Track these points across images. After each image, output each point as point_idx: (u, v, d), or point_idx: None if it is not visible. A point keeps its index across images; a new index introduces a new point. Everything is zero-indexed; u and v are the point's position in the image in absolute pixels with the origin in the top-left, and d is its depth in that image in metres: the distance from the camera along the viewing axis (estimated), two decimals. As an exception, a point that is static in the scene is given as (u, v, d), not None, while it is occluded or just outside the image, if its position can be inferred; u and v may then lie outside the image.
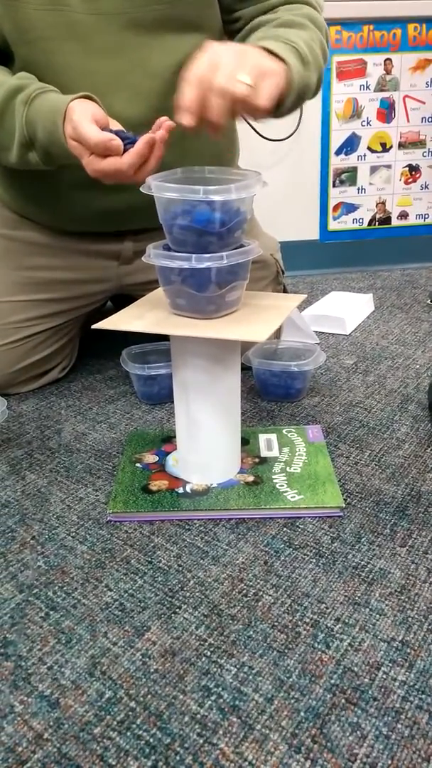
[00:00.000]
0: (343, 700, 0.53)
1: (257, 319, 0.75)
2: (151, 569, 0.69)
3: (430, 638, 0.59)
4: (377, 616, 0.62)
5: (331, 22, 0.95)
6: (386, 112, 1.72)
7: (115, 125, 0.81)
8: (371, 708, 0.53)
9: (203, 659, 0.58)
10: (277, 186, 1.72)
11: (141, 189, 0.71)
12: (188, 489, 0.80)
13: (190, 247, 0.71)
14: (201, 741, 0.50)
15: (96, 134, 0.75)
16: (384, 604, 0.63)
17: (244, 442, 0.89)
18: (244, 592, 0.65)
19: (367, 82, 1.69)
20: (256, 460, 0.85)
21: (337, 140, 1.73)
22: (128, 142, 0.76)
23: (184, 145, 0.79)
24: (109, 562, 0.70)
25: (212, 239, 0.70)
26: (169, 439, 0.91)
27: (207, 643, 0.59)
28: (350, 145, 1.74)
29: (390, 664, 0.56)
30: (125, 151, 0.76)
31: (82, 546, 0.73)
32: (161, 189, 0.69)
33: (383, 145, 1.76)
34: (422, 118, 1.74)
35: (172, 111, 0.73)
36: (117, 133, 0.77)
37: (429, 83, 1.71)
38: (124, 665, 0.57)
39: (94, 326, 0.74)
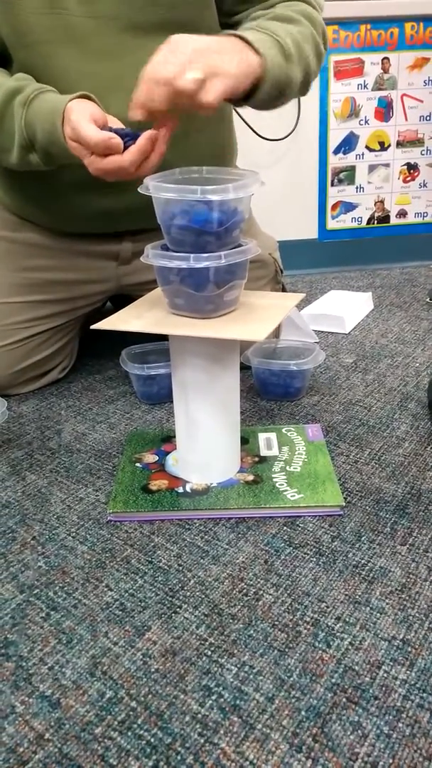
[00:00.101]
0: (344, 699, 0.53)
1: (256, 319, 0.75)
2: (151, 569, 0.69)
3: (430, 637, 0.59)
4: (378, 614, 0.62)
5: (329, 21, 0.95)
6: (384, 110, 1.73)
7: (114, 122, 0.81)
8: (372, 707, 0.53)
9: (204, 659, 0.58)
10: (275, 185, 1.72)
11: (139, 189, 0.71)
12: (188, 488, 0.80)
13: (188, 247, 0.71)
14: (202, 741, 0.50)
15: (95, 134, 0.75)
16: (385, 602, 0.63)
17: (244, 441, 0.89)
18: (245, 591, 0.65)
19: (364, 81, 1.69)
20: (256, 459, 0.85)
21: (335, 139, 1.73)
22: (128, 139, 0.76)
23: (182, 145, 0.79)
24: (110, 562, 0.70)
25: (210, 239, 0.70)
26: (169, 438, 0.91)
27: (207, 643, 0.59)
28: (348, 144, 1.74)
29: (391, 663, 0.56)
30: (126, 147, 0.76)
31: (82, 546, 0.73)
32: (159, 189, 0.69)
33: (381, 143, 1.76)
34: (420, 117, 1.74)
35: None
36: (116, 131, 0.77)
37: (427, 81, 1.71)
38: (124, 665, 0.57)
39: (93, 326, 0.74)
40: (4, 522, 0.77)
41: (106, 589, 0.66)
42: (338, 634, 0.60)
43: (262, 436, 0.91)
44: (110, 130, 0.77)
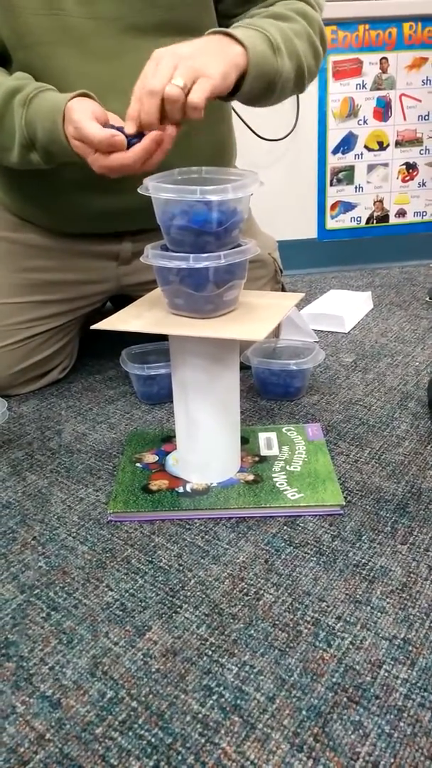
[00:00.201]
0: (345, 699, 0.53)
1: (255, 318, 0.75)
2: (151, 569, 0.69)
3: (431, 636, 0.59)
4: (378, 614, 0.62)
5: (327, 22, 0.96)
6: (383, 110, 1.73)
7: (114, 119, 0.81)
8: (373, 706, 0.53)
9: (204, 658, 0.58)
10: (274, 185, 1.72)
11: (138, 190, 0.72)
12: (188, 488, 0.80)
13: (187, 247, 0.71)
14: (203, 740, 0.50)
15: (99, 132, 0.76)
16: (385, 602, 0.63)
17: (244, 441, 0.89)
18: (245, 591, 0.65)
19: (363, 81, 1.69)
20: (256, 458, 0.85)
21: (333, 139, 1.73)
22: (133, 139, 0.77)
23: (182, 145, 0.80)
24: (110, 562, 0.70)
25: (210, 239, 0.70)
26: (169, 438, 0.91)
27: (208, 643, 0.59)
28: (347, 144, 1.74)
29: (392, 662, 0.56)
30: (130, 144, 0.76)
31: (82, 546, 0.73)
32: (158, 190, 0.70)
33: (380, 143, 1.76)
34: (419, 116, 1.74)
35: None
36: (119, 129, 0.77)
37: (425, 81, 1.71)
38: (125, 665, 0.57)
39: (93, 327, 0.74)
40: (4, 522, 0.77)
41: (106, 589, 0.66)
42: (339, 633, 0.60)
43: (262, 436, 0.91)
44: (112, 127, 0.78)
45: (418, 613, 0.61)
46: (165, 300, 0.77)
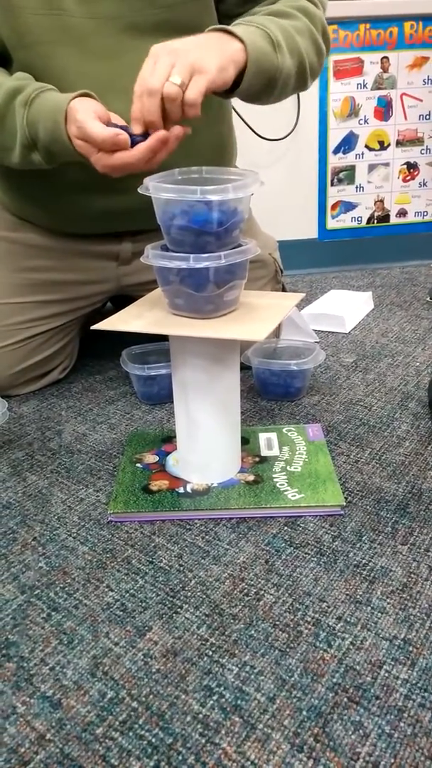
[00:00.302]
0: (345, 699, 0.53)
1: (256, 318, 0.75)
2: (152, 569, 0.69)
3: (431, 636, 0.59)
4: (379, 614, 0.62)
5: (328, 21, 0.96)
6: (384, 110, 1.72)
7: (116, 119, 0.81)
8: (374, 707, 0.53)
9: (205, 659, 0.58)
10: (275, 185, 1.72)
11: (139, 190, 0.72)
12: (189, 489, 0.80)
13: (188, 247, 0.71)
14: (203, 741, 0.50)
15: (102, 131, 0.76)
16: (386, 602, 0.63)
17: (244, 441, 0.89)
18: (246, 591, 0.65)
19: (364, 80, 1.68)
20: (257, 459, 0.85)
21: (334, 139, 1.73)
22: (138, 137, 0.77)
23: (182, 145, 0.80)
24: (110, 562, 0.70)
25: (210, 239, 0.70)
26: (170, 439, 0.91)
27: (209, 643, 0.59)
28: (348, 143, 1.74)
29: (392, 663, 0.56)
30: (134, 143, 0.76)
31: (83, 546, 0.73)
32: (159, 190, 0.69)
33: (381, 143, 1.76)
34: (420, 116, 1.74)
35: None
36: (122, 128, 0.78)
37: (426, 81, 1.71)
38: (125, 665, 0.57)
39: (93, 327, 0.74)
40: (4, 523, 0.77)
41: (107, 590, 0.66)
42: (339, 633, 0.60)
43: (262, 436, 0.91)
44: (115, 126, 0.78)
45: (418, 614, 0.61)
46: (165, 300, 0.77)
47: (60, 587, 0.67)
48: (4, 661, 0.59)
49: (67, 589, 0.67)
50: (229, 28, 0.79)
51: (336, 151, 1.74)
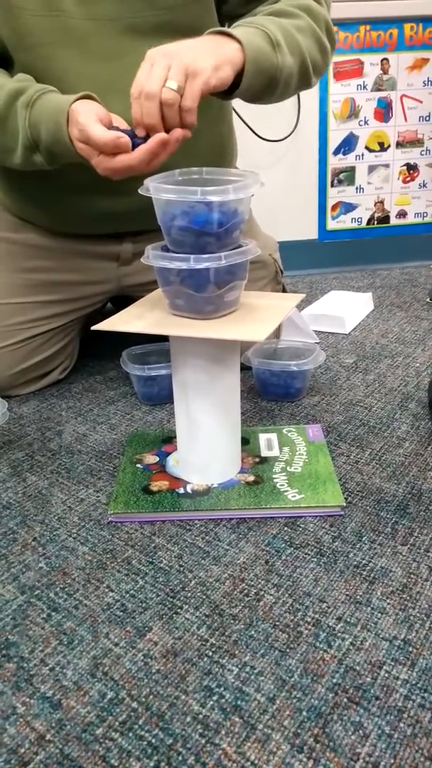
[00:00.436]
0: (345, 700, 0.53)
1: (256, 319, 0.75)
2: (152, 570, 0.69)
3: (431, 637, 0.59)
4: (379, 614, 0.62)
5: (328, 22, 0.96)
6: (384, 111, 1.73)
7: (118, 121, 0.81)
8: (373, 707, 0.53)
9: (205, 659, 0.58)
10: (275, 186, 1.72)
11: (139, 191, 0.72)
12: (189, 489, 0.80)
13: (188, 247, 0.71)
14: (203, 741, 0.50)
15: (104, 134, 0.76)
16: (386, 602, 0.63)
17: (245, 441, 0.89)
18: (246, 591, 0.65)
19: (364, 81, 1.69)
20: (257, 459, 0.85)
21: (334, 140, 1.73)
22: (138, 139, 0.77)
23: (183, 146, 0.80)
24: (111, 562, 0.70)
25: (210, 240, 0.70)
26: (170, 439, 0.91)
27: (209, 643, 0.59)
28: (348, 144, 1.74)
29: (392, 663, 0.56)
30: (135, 145, 0.77)
31: (83, 547, 0.73)
32: (159, 190, 0.70)
33: (381, 144, 1.76)
34: (420, 117, 1.75)
35: None
36: (123, 130, 0.78)
37: (426, 82, 1.71)
38: (125, 666, 0.57)
39: (94, 327, 0.74)
40: (5, 523, 0.77)
41: (107, 590, 0.66)
42: (339, 634, 0.60)
43: (262, 437, 0.91)
44: (116, 129, 0.78)
45: (418, 614, 0.61)
46: (166, 301, 0.77)
47: (60, 588, 0.67)
48: (4, 661, 0.59)
49: (67, 589, 0.67)
50: (226, 30, 0.80)
51: (336, 153, 1.74)
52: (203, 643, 0.59)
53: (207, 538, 0.73)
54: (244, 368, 1.02)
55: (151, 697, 0.54)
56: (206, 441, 0.79)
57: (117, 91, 0.83)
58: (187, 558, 0.70)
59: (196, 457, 0.80)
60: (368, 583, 0.65)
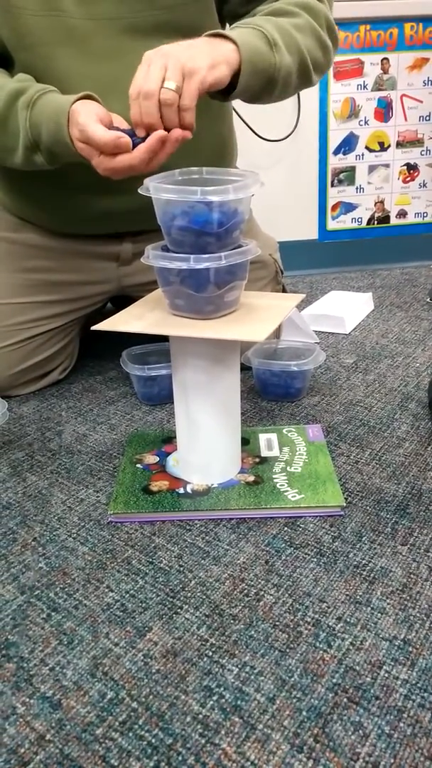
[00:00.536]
0: (345, 700, 0.53)
1: (256, 319, 0.75)
2: (152, 570, 0.69)
3: (431, 637, 0.59)
4: (379, 614, 0.62)
5: (328, 21, 0.96)
6: (384, 111, 1.73)
7: (118, 121, 0.81)
8: (373, 707, 0.53)
9: (205, 659, 0.58)
10: (275, 186, 1.72)
11: (139, 191, 0.72)
12: (189, 489, 0.80)
13: (188, 247, 0.71)
14: (203, 741, 0.50)
15: (104, 134, 0.76)
16: (385, 602, 0.63)
17: (245, 441, 0.89)
18: (246, 591, 0.65)
19: (364, 81, 1.69)
20: (257, 459, 0.85)
21: (335, 140, 1.73)
22: (137, 139, 0.77)
23: (183, 146, 0.80)
24: (111, 562, 0.70)
25: (210, 240, 0.70)
26: (170, 439, 0.91)
27: (209, 644, 0.59)
28: (348, 144, 1.74)
29: (392, 663, 0.56)
30: (134, 145, 0.77)
31: (83, 547, 0.73)
32: (159, 190, 0.70)
33: (381, 144, 1.76)
34: (420, 117, 1.75)
35: None
36: (123, 130, 0.78)
37: (426, 82, 1.71)
38: (125, 666, 0.58)
39: (94, 327, 0.74)
40: (4, 523, 0.77)
41: (107, 590, 0.66)
42: (339, 634, 0.60)
43: (262, 437, 0.91)
44: (117, 129, 0.78)
45: (418, 614, 0.61)
46: (166, 301, 0.77)
47: (60, 588, 0.67)
48: (4, 661, 0.59)
49: (67, 589, 0.67)
50: (222, 31, 0.80)
51: (336, 152, 1.74)
52: (203, 643, 0.59)
53: (207, 538, 0.73)
54: (244, 368, 1.02)
55: (151, 697, 0.54)
56: (206, 441, 0.79)
57: (117, 91, 0.83)
58: (187, 558, 0.70)
59: (196, 457, 0.80)
60: (368, 583, 0.65)
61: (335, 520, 0.75)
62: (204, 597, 0.65)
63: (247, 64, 0.80)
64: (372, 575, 0.66)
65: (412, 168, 1.80)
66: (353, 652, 0.58)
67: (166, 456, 0.87)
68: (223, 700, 0.54)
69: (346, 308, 1.39)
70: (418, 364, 1.16)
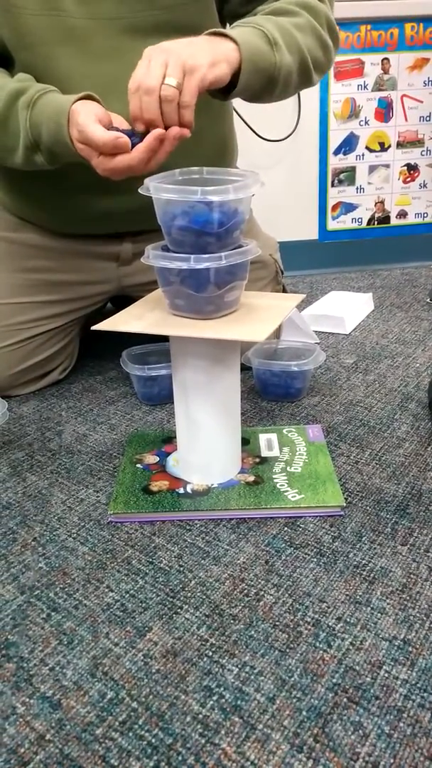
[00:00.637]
0: (345, 699, 0.53)
1: (256, 319, 0.75)
2: (152, 570, 0.69)
3: (431, 637, 0.59)
4: (379, 614, 0.62)
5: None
6: (384, 111, 1.73)
7: (118, 121, 0.81)
8: (373, 707, 0.53)
9: (205, 659, 0.58)
10: (275, 186, 1.72)
11: (139, 190, 0.72)
12: (189, 489, 0.80)
13: (188, 247, 0.71)
14: (203, 741, 0.50)
15: (103, 135, 0.76)
16: (385, 602, 0.63)
17: (245, 442, 0.89)
18: (246, 591, 0.65)
19: (364, 81, 1.69)
20: (257, 459, 0.85)
21: (335, 140, 1.73)
22: (136, 138, 0.77)
23: (183, 146, 0.80)
24: (111, 562, 0.70)
25: (211, 240, 0.70)
26: (170, 439, 0.91)
27: (208, 643, 0.59)
28: (348, 144, 1.74)
29: (392, 663, 0.56)
30: (133, 145, 0.77)
31: (83, 547, 0.73)
32: (159, 190, 0.70)
33: (381, 144, 1.76)
34: (420, 117, 1.75)
35: None
36: (123, 131, 0.78)
37: (426, 82, 1.71)
38: (125, 666, 0.58)
39: (94, 327, 0.74)
40: (4, 523, 0.77)
41: (106, 590, 0.66)
42: (339, 634, 0.60)
43: (262, 437, 0.91)
44: (116, 129, 0.78)
45: (418, 614, 0.61)
46: (166, 301, 0.77)
47: (60, 588, 0.67)
48: (4, 661, 0.59)
49: (67, 589, 0.67)
50: (222, 30, 0.80)
51: (336, 152, 1.74)
52: (203, 643, 0.59)
53: (207, 538, 0.73)
54: (245, 368, 1.02)
55: (151, 697, 0.54)
56: (206, 441, 0.79)
57: (117, 91, 0.83)
58: (187, 558, 0.70)
59: (196, 457, 0.80)
60: (368, 583, 0.65)
61: (335, 520, 0.75)
62: (204, 597, 0.65)
63: (247, 63, 0.80)
64: (372, 575, 0.66)
65: (412, 168, 1.80)
66: (353, 652, 0.58)
67: (166, 456, 0.87)
68: (223, 700, 0.54)
69: (346, 308, 1.39)
70: (418, 365, 1.16)
